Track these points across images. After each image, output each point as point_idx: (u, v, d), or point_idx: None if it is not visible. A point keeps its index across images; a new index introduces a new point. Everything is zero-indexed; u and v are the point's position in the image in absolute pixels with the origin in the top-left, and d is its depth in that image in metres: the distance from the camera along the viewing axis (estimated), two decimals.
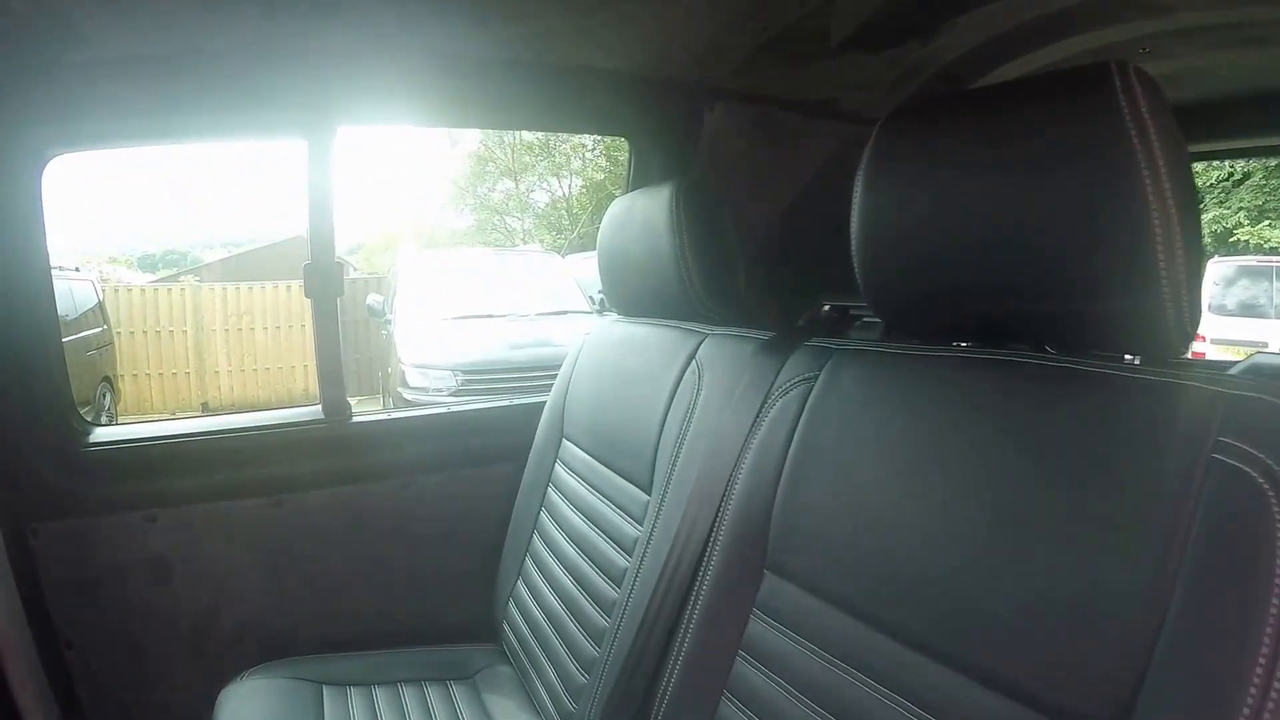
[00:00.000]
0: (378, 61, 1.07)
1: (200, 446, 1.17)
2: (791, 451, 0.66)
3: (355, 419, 1.22)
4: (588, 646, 0.89)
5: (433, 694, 1.04)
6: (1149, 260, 0.45)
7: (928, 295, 0.60)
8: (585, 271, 5.15)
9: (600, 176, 12.35)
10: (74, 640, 1.09)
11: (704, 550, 0.73)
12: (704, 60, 1.12)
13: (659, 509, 0.82)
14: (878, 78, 1.20)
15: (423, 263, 5.77)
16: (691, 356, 0.87)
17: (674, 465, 0.82)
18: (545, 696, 0.96)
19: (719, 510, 0.72)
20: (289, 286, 7.25)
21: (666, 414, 0.86)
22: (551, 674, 0.95)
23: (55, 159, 1.06)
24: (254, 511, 1.15)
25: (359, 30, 0.99)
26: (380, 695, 1.02)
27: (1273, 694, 0.37)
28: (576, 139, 12.33)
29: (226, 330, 7.19)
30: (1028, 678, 0.47)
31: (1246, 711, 0.37)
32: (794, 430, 0.67)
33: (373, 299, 5.62)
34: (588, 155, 12.62)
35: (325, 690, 1.02)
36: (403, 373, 4.43)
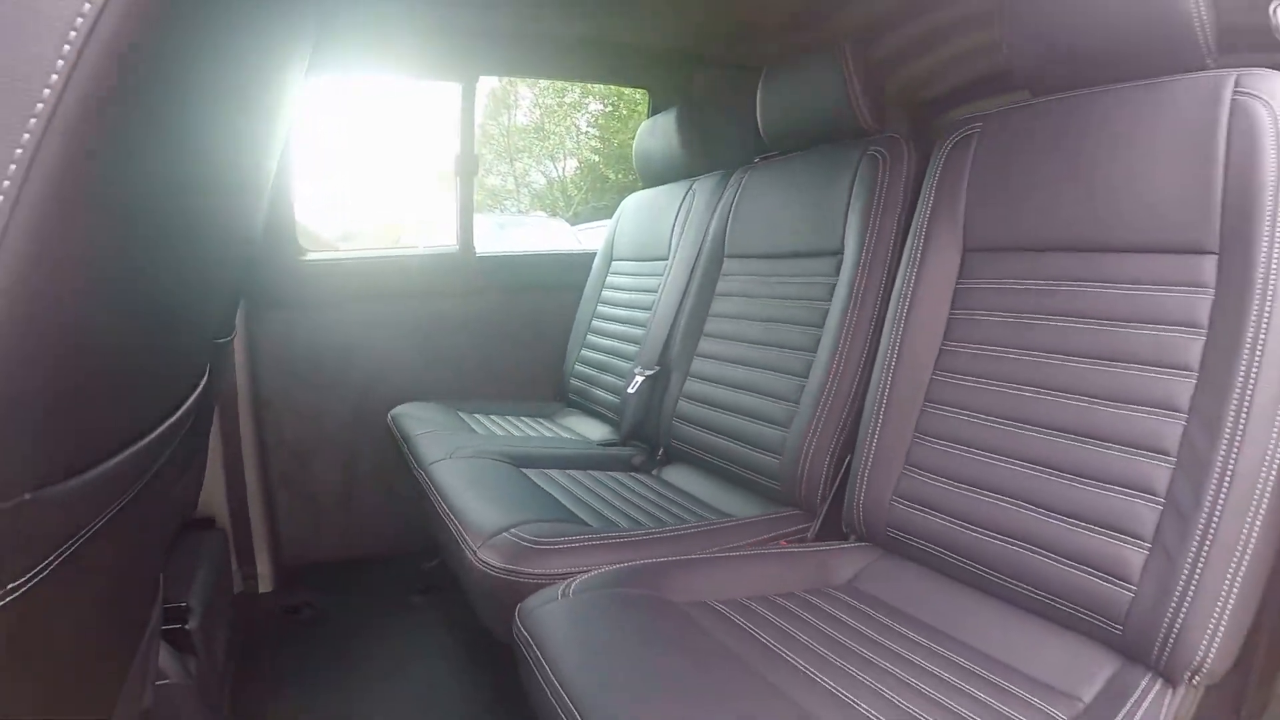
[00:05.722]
0: (511, 22, 1.61)
1: (378, 266, 1.75)
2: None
3: (479, 254, 1.78)
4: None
5: (526, 420, 1.67)
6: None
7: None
8: (594, 241, 5.27)
9: (595, 159, 12.37)
10: (273, 400, 1.60)
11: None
12: (693, 37, 1.73)
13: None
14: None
15: (432, 231, 5.97)
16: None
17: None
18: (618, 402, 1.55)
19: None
20: None
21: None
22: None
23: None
24: (410, 311, 1.72)
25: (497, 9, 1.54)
26: (495, 416, 1.65)
27: None
28: (569, 121, 12.39)
29: None
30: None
31: None
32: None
33: None
34: (582, 137, 12.64)
35: (459, 411, 1.61)
36: None
